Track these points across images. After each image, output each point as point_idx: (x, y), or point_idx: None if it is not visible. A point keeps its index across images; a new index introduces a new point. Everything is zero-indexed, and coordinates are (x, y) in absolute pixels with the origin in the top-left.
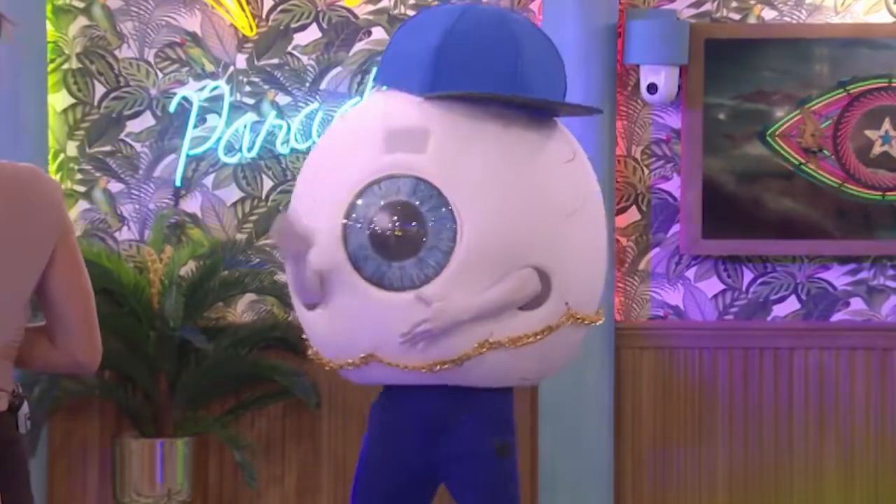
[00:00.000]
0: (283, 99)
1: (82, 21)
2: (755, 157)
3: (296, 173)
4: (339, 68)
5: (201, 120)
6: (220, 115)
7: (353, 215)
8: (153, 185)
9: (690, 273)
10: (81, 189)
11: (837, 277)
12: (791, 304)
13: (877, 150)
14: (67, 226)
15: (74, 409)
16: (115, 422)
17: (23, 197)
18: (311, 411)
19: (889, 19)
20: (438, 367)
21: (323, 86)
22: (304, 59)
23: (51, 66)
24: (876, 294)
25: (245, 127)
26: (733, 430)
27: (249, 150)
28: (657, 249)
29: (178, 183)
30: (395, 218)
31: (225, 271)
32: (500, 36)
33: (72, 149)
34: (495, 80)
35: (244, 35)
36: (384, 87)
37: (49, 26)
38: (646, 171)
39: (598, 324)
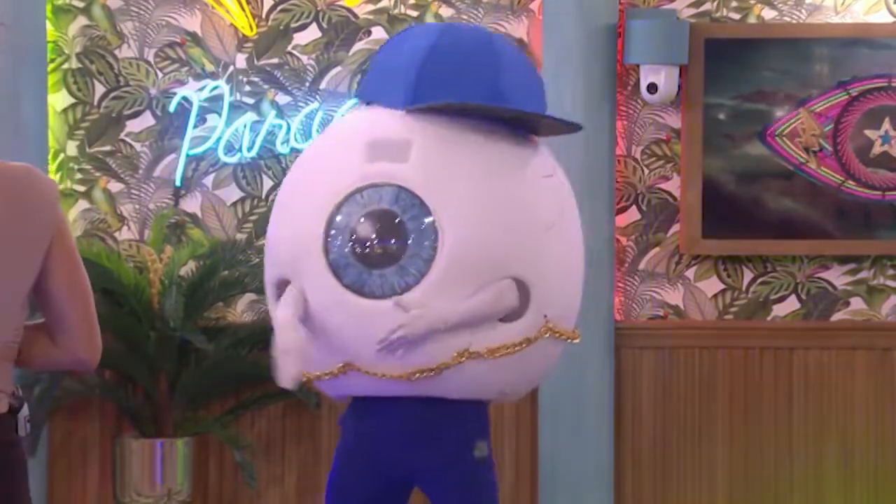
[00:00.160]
0: (282, 99)
1: (82, 21)
2: (755, 157)
3: None
4: (338, 68)
5: (201, 120)
6: (219, 114)
7: (335, 224)
8: (153, 184)
9: (690, 273)
10: (81, 189)
11: (837, 277)
12: (791, 304)
13: (877, 149)
14: (63, 224)
15: (75, 408)
16: (116, 422)
17: (19, 196)
18: (311, 411)
19: (889, 19)
20: (417, 376)
21: (323, 85)
22: (304, 58)
23: (51, 66)
24: (876, 294)
25: (245, 127)
26: (733, 430)
27: (249, 149)
28: (657, 249)
29: (178, 183)
30: (377, 226)
31: (225, 271)
32: (481, 53)
33: (72, 148)
34: (476, 96)
35: (244, 35)
36: (366, 104)
37: (49, 26)
38: (646, 171)
39: (574, 342)
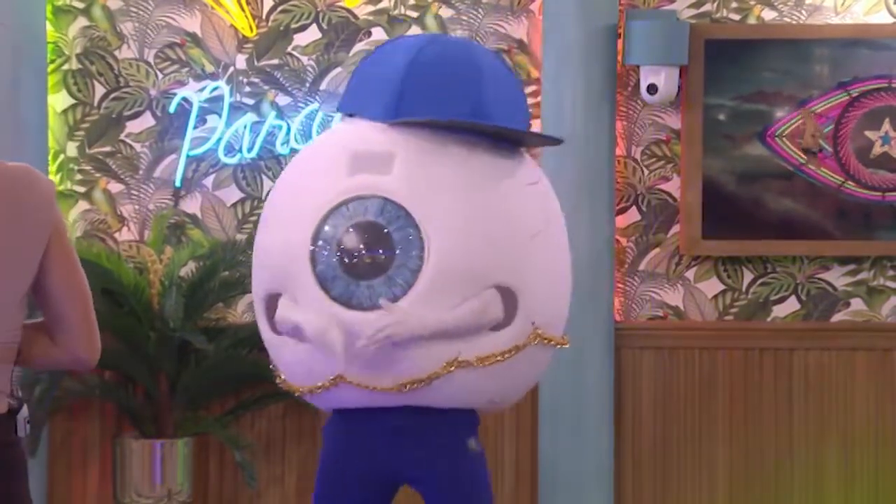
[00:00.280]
0: (283, 99)
1: (82, 21)
2: (755, 158)
3: None
4: (338, 69)
5: (201, 120)
6: (220, 115)
7: (322, 236)
8: (153, 185)
9: (690, 273)
10: (81, 189)
11: (837, 278)
12: (791, 305)
13: (877, 150)
14: (61, 225)
15: (75, 409)
16: (116, 422)
17: (17, 196)
18: (311, 411)
19: (889, 19)
20: (408, 387)
21: (323, 86)
22: (304, 59)
23: (51, 67)
24: (876, 294)
25: (245, 127)
26: (733, 430)
27: (249, 150)
28: (657, 250)
29: (177, 183)
30: (365, 237)
31: (225, 272)
32: (464, 67)
33: (72, 149)
34: (459, 109)
35: (244, 35)
36: (349, 116)
37: (49, 27)
38: (646, 172)
39: (564, 347)
